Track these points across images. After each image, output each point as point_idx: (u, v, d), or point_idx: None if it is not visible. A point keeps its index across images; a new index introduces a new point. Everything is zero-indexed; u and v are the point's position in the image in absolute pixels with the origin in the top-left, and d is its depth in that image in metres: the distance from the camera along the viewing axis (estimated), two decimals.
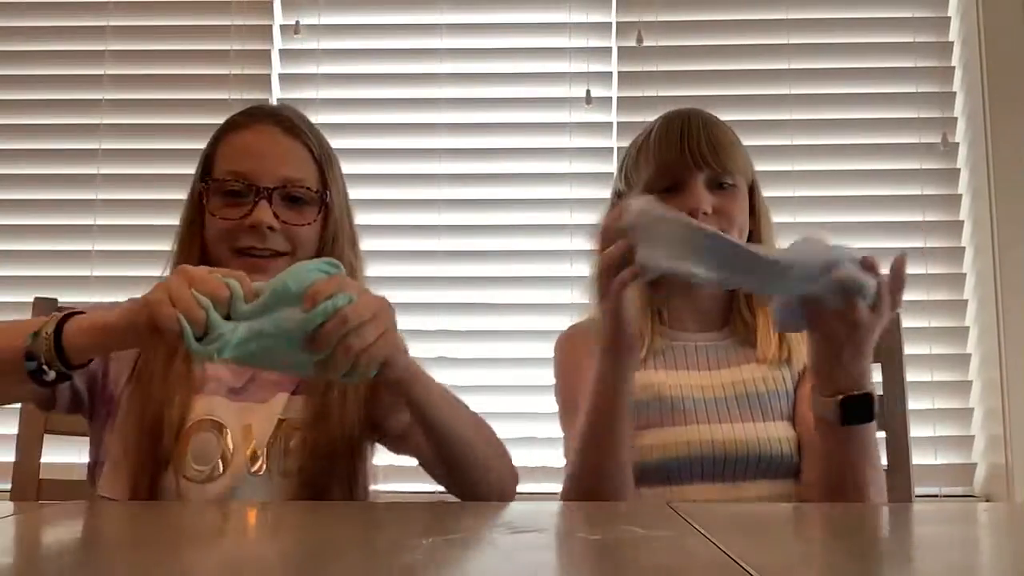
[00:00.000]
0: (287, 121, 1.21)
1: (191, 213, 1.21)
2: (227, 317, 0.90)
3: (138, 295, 0.94)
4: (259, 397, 1.16)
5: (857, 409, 1.03)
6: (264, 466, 1.11)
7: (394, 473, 1.82)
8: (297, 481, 1.11)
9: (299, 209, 1.18)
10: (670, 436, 1.20)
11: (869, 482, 1.07)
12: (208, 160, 1.21)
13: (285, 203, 1.17)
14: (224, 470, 1.10)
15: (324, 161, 1.22)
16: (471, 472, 1.09)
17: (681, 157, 1.23)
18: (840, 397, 1.03)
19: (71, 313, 0.96)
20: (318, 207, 1.20)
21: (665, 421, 1.21)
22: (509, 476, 1.15)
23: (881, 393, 1.32)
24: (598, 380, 1.10)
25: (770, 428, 1.19)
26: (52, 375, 0.95)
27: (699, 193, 1.23)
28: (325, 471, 1.12)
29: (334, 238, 1.21)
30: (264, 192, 1.16)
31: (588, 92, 1.99)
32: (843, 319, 1.00)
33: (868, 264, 1.00)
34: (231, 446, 1.11)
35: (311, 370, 0.92)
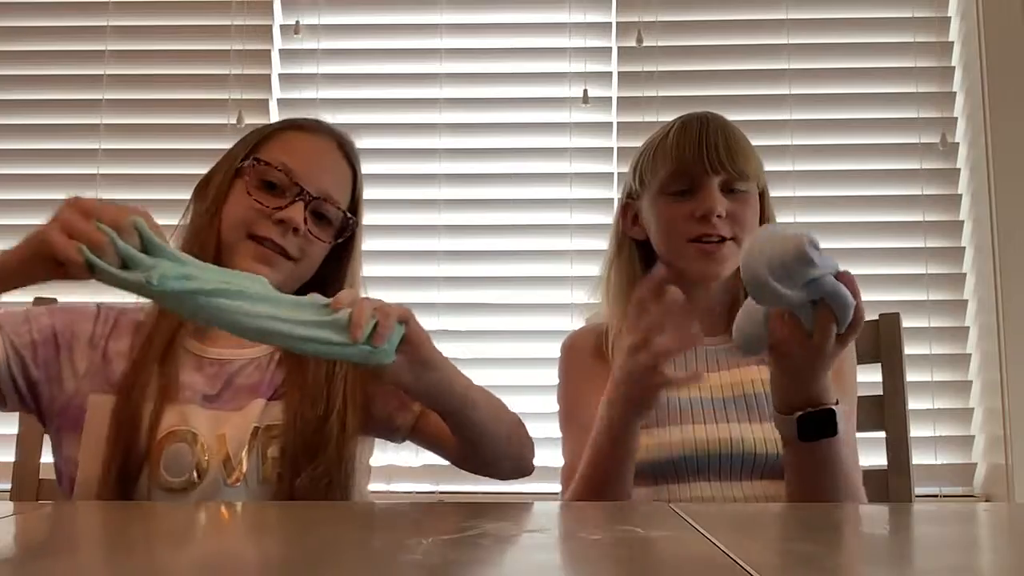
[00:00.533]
0: (347, 145, 1.25)
1: (217, 191, 1.19)
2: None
3: None
4: (234, 405, 1.13)
5: (817, 425, 1.02)
6: (241, 476, 1.09)
7: (394, 473, 1.83)
8: (276, 489, 1.09)
9: (323, 226, 1.20)
10: (666, 435, 1.20)
11: (841, 495, 1.06)
12: (257, 146, 1.21)
13: (314, 215, 1.19)
14: (200, 480, 1.08)
15: (360, 197, 1.25)
16: (493, 445, 1.10)
17: (699, 159, 1.23)
18: (798, 414, 1.03)
19: None
20: (338, 233, 1.22)
21: (662, 420, 1.21)
22: (527, 446, 1.17)
23: (880, 394, 1.32)
24: (609, 428, 1.09)
25: (767, 429, 1.19)
26: None
27: (715, 196, 1.23)
28: (309, 477, 1.08)
29: (351, 281, 1.24)
30: (305, 195, 1.17)
31: (585, 92, 1.99)
32: (806, 346, 0.97)
33: (847, 280, 0.95)
34: (206, 456, 1.09)
35: (335, 333, 0.89)
